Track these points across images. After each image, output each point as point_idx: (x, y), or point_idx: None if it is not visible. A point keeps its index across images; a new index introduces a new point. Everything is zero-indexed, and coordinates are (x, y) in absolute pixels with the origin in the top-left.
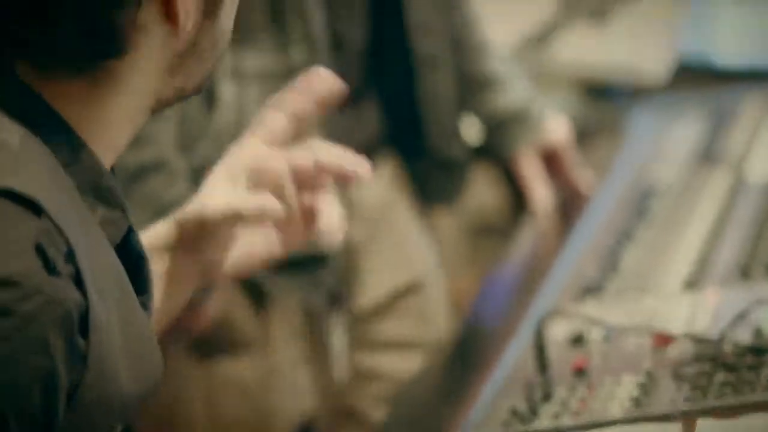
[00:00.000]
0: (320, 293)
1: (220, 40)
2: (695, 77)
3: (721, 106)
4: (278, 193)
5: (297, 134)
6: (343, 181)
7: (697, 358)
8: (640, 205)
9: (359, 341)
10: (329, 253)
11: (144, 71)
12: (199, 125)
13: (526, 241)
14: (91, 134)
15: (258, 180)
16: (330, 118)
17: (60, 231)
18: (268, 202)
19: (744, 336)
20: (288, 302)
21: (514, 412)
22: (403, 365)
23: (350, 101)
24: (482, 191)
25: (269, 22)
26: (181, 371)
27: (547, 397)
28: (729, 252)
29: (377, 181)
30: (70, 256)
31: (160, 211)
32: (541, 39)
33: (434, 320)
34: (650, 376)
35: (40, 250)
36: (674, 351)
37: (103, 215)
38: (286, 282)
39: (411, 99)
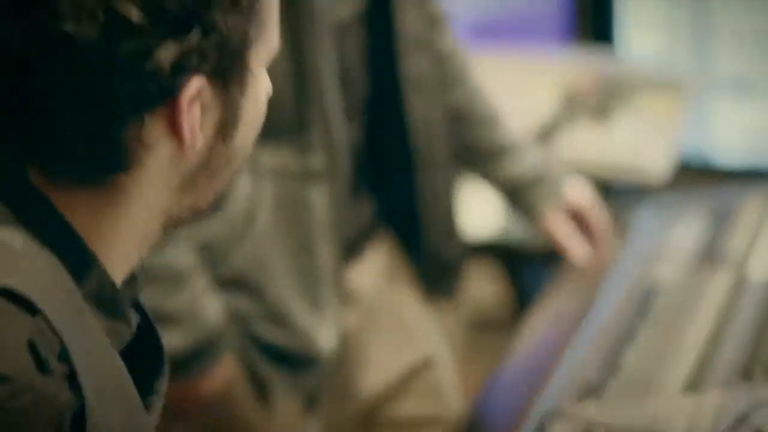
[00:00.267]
0: (299, 394)
1: (235, 160)
2: (696, 175)
3: (722, 204)
4: None
5: None
6: None
7: None
8: (642, 304)
9: (376, 424)
10: (324, 355)
11: (152, 187)
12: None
13: (526, 339)
14: (100, 245)
15: None
16: (328, 207)
17: (54, 331)
18: None
19: None
20: (289, 393)
21: None
22: None
23: (348, 194)
24: (481, 286)
25: (293, 125)
26: None
27: None
28: (730, 353)
29: (372, 267)
30: (64, 356)
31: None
32: (543, 137)
33: (448, 394)
34: None
35: (32, 349)
36: None
37: (106, 325)
38: (274, 374)
39: (409, 199)
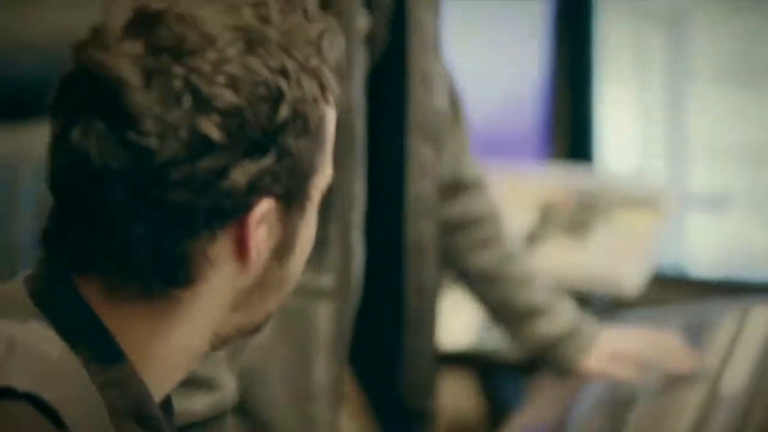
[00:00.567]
0: None
1: (287, 282)
2: (671, 287)
3: (697, 318)
4: None
5: None
6: None
7: None
8: (617, 417)
9: None
10: None
11: (208, 304)
12: None
13: None
14: (146, 360)
15: None
16: (333, 325)
17: None
18: None
19: None
20: None
21: None
22: None
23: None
24: (455, 398)
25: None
26: None
27: None
28: None
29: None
30: None
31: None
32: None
33: None
34: None
35: None
36: None
37: None
38: None
39: (391, 356)
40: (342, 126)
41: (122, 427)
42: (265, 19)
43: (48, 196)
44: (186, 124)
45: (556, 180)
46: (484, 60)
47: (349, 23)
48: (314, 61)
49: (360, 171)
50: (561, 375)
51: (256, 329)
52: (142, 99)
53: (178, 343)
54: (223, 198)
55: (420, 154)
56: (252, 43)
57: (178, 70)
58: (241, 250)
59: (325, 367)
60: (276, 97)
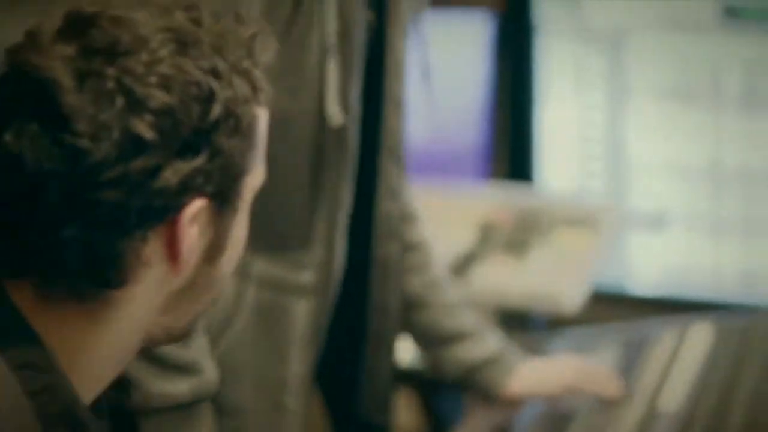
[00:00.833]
0: None
1: (217, 283)
2: (611, 305)
3: (636, 335)
4: None
5: None
6: None
7: None
8: None
9: None
10: None
11: (140, 305)
12: None
13: None
14: (78, 363)
15: None
16: (309, 321)
17: None
18: None
19: None
20: None
21: None
22: None
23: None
24: (397, 416)
25: (297, 241)
26: None
27: None
28: None
29: None
30: None
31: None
32: (459, 269)
33: None
34: None
35: None
36: None
37: None
38: None
39: (352, 372)
40: (337, 130)
41: None
42: (197, 22)
43: None
44: (119, 124)
45: (496, 199)
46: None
47: (355, 31)
48: (246, 63)
49: (349, 174)
50: (485, 399)
51: (184, 332)
52: (75, 100)
53: (109, 345)
54: (156, 198)
55: (390, 176)
56: (184, 44)
57: (110, 71)
58: (173, 250)
59: (299, 359)
60: (208, 97)
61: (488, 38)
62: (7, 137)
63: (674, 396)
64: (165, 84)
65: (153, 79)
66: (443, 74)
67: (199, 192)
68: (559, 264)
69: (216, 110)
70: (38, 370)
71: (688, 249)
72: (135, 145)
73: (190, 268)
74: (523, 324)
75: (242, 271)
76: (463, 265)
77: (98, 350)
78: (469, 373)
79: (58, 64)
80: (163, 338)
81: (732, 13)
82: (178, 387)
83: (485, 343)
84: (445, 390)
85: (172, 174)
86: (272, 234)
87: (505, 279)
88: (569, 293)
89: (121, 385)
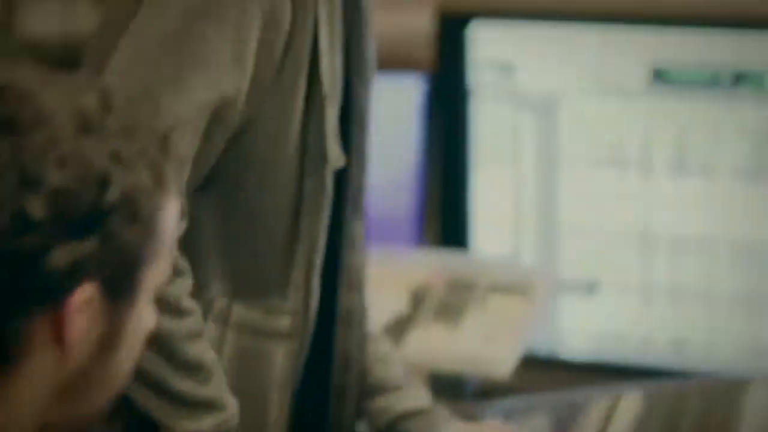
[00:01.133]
0: None
1: (117, 375)
2: (544, 370)
3: (568, 402)
4: None
5: None
6: None
7: None
8: None
9: None
10: None
11: (29, 387)
12: None
13: None
14: None
15: None
16: (287, 364)
17: None
18: None
19: None
20: None
21: None
22: None
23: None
24: None
25: (274, 288)
26: None
27: None
28: None
29: None
30: None
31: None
32: (392, 334)
33: None
34: None
35: None
36: None
37: None
38: None
39: (315, 422)
40: (316, 176)
41: None
42: (106, 106)
43: None
44: (11, 199)
45: (429, 264)
46: None
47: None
48: (155, 153)
49: (326, 219)
50: None
51: (91, 418)
52: None
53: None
54: (42, 279)
55: (354, 229)
56: (87, 126)
57: (4, 146)
58: (59, 336)
59: (278, 404)
60: (103, 181)
61: (420, 102)
62: None
63: None
64: (60, 163)
65: (49, 157)
66: (375, 137)
67: (89, 278)
68: (492, 329)
69: (112, 195)
70: None
71: (619, 314)
72: (24, 222)
73: (84, 356)
74: (456, 391)
75: (222, 318)
76: (396, 330)
77: None
78: (398, 423)
79: None
80: (67, 425)
81: (661, 78)
82: (203, 424)
83: (416, 396)
84: None
85: (61, 256)
86: (251, 280)
87: (438, 344)
88: (502, 358)
89: (149, 428)
